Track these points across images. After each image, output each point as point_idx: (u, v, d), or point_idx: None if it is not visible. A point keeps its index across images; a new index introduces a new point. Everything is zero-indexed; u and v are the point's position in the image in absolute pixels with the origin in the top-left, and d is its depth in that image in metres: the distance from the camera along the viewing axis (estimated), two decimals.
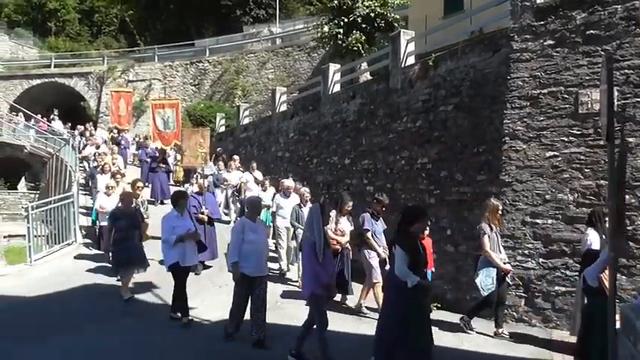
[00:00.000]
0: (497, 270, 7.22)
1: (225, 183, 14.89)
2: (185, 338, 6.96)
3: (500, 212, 7.54)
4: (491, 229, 7.31)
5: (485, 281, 7.15)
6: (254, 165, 14.97)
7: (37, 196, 22.31)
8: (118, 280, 9.15)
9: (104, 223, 10.31)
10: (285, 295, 9.25)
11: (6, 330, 7.14)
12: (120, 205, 9.16)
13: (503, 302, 7.59)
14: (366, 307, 8.42)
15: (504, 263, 7.38)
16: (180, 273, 7.61)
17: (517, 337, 7.29)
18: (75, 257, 11.26)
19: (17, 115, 26.23)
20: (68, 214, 12.09)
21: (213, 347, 6.71)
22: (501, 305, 7.50)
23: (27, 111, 26.46)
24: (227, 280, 9.24)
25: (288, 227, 10.51)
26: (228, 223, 13.64)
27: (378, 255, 8.15)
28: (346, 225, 8.68)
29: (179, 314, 7.64)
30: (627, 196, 7.36)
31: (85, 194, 15.98)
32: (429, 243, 8.05)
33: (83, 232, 12.91)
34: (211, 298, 8.86)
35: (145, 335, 7.06)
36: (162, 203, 15.45)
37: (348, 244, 8.58)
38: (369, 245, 8.20)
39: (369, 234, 8.21)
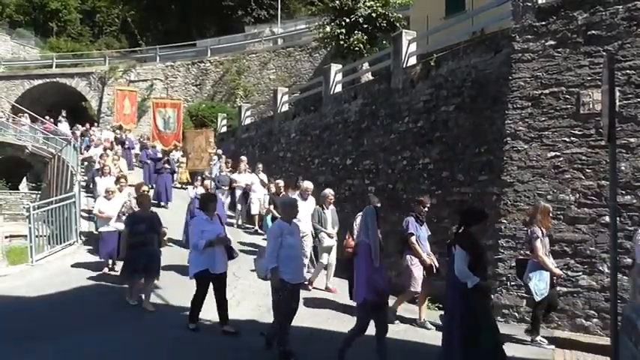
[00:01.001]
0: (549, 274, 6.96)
1: (235, 184, 14.47)
2: (185, 338, 6.95)
3: (550, 214, 7.20)
4: (542, 232, 7.01)
5: (539, 286, 6.91)
6: (260, 167, 14.76)
7: (38, 196, 22.33)
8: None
9: (104, 229, 10.11)
10: None
11: (7, 330, 7.14)
12: (137, 208, 8.84)
13: (556, 307, 7.37)
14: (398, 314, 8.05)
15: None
16: (207, 281, 7.09)
17: (518, 338, 7.28)
18: (76, 257, 11.25)
19: (23, 117, 26.18)
20: (69, 214, 12.09)
21: (213, 348, 6.70)
22: (552, 310, 7.29)
23: (32, 113, 26.46)
24: (227, 281, 9.30)
25: (303, 230, 9.92)
26: (231, 225, 13.54)
27: (422, 262, 7.75)
28: None
29: (191, 324, 7.21)
30: (628, 197, 7.36)
31: (88, 196, 15.43)
32: None
33: (83, 237, 12.42)
34: (211, 298, 8.83)
35: (145, 336, 7.05)
36: (160, 206, 14.74)
37: None
38: (413, 251, 7.76)
39: (413, 238, 7.75)
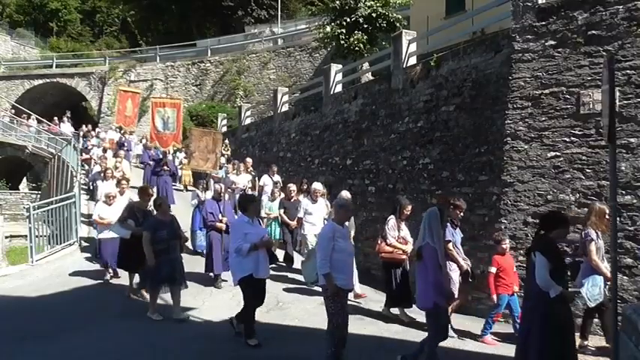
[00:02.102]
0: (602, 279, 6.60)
1: (233, 186, 13.63)
2: (186, 339, 6.95)
3: (607, 216, 6.61)
4: (597, 234, 6.62)
5: (592, 291, 6.59)
6: (274, 169, 14.09)
7: (38, 196, 22.34)
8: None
9: (104, 236, 9.69)
10: (287, 295, 9.19)
11: (7, 330, 7.15)
12: (156, 213, 8.20)
13: (603, 313, 6.84)
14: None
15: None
16: (252, 286, 6.66)
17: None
18: (76, 258, 11.25)
19: (30, 118, 26.16)
20: (70, 214, 12.09)
21: (214, 348, 6.70)
22: (604, 316, 6.81)
23: (34, 114, 26.45)
24: (228, 280, 9.31)
25: (316, 234, 9.70)
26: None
27: (460, 267, 7.41)
28: (407, 232, 7.98)
29: (252, 340, 6.66)
30: (628, 197, 7.36)
31: (90, 200, 14.99)
32: (511, 261, 7.49)
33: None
34: (212, 298, 8.85)
35: (146, 336, 7.05)
36: None
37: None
38: (450, 257, 7.34)
39: (450, 245, 7.36)
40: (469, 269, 7.46)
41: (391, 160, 11.49)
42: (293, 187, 11.27)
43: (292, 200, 10.96)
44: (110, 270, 9.80)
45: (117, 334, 7.05)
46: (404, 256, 7.78)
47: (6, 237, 15.03)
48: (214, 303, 8.44)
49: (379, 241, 7.97)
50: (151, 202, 9.02)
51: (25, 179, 31.35)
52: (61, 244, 11.62)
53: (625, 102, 7.46)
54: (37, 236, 11.24)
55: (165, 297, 8.76)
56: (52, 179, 20.80)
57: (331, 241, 5.87)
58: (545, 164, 8.13)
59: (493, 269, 7.19)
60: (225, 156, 11.78)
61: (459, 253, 7.52)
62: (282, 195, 11.48)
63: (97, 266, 10.37)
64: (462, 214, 7.72)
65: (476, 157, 9.29)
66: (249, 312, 6.71)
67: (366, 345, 6.73)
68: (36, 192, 24.62)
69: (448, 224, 7.37)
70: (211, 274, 9.55)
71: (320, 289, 6.36)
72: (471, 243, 8.65)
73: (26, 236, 11.49)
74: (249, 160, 14.97)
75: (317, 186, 10.15)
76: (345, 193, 9.74)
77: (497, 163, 8.69)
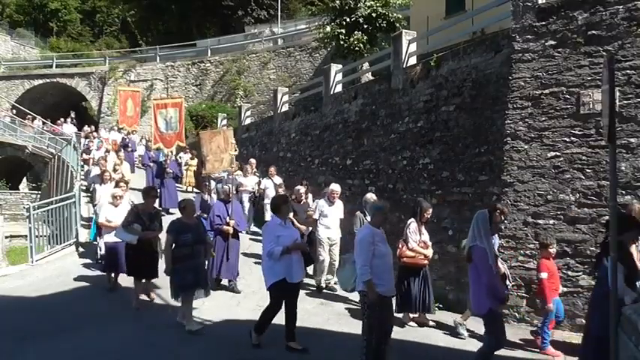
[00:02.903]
0: None
1: (241, 188, 13.47)
2: (186, 339, 6.95)
3: None
4: None
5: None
6: (272, 170, 13.84)
7: (38, 196, 22.36)
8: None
9: (110, 239, 9.13)
10: None
11: (7, 330, 7.15)
12: (181, 216, 7.70)
13: None
14: (467, 328, 7.52)
15: None
16: (284, 292, 6.38)
17: (518, 338, 7.28)
18: (76, 257, 11.25)
19: (35, 120, 26.17)
20: (70, 214, 12.10)
21: (213, 348, 6.70)
22: None
23: (38, 116, 26.47)
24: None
25: (331, 238, 9.49)
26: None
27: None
28: (427, 235, 7.79)
29: (256, 336, 6.56)
30: (628, 197, 7.36)
31: (89, 203, 14.37)
32: (553, 266, 7.22)
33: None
34: (212, 298, 8.83)
35: (146, 336, 7.06)
36: (168, 212, 14.05)
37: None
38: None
39: None
40: (506, 272, 7.09)
41: (391, 160, 11.49)
42: (302, 188, 10.92)
43: (302, 203, 10.64)
44: (112, 276, 9.40)
45: (117, 334, 7.05)
46: (425, 261, 7.60)
47: (6, 237, 15.05)
48: (214, 303, 8.43)
49: (400, 245, 7.70)
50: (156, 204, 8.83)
51: (25, 179, 31.38)
52: (61, 244, 11.63)
53: (625, 102, 7.46)
54: (37, 236, 11.25)
55: (161, 293, 8.83)
56: (52, 179, 20.82)
57: (371, 245, 5.62)
58: (545, 164, 8.13)
59: (544, 274, 6.90)
60: (234, 156, 11.22)
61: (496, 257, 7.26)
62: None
63: (97, 265, 10.34)
64: (504, 220, 7.46)
65: (476, 157, 9.29)
66: (270, 313, 6.47)
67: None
68: (36, 192, 24.64)
69: None
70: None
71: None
72: None
73: (26, 236, 11.51)
74: (252, 160, 14.65)
75: (335, 187, 9.71)
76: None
77: (497, 163, 8.69)
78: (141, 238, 8.01)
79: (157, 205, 10.41)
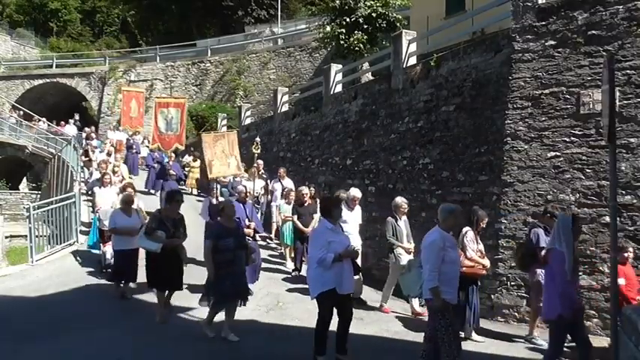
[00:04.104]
0: None
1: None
2: (186, 339, 6.95)
3: None
4: None
5: None
6: (282, 172, 13.27)
7: (38, 196, 22.36)
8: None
9: (121, 247, 8.52)
10: (288, 295, 9.18)
11: (8, 330, 7.15)
12: (220, 219, 7.14)
13: None
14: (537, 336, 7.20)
15: None
16: (333, 303, 5.89)
17: (518, 338, 7.28)
18: (76, 257, 11.24)
19: (40, 121, 26.16)
20: (70, 214, 12.08)
21: (213, 348, 6.70)
22: None
23: (38, 116, 26.48)
24: None
25: (355, 247, 9.12)
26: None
27: None
28: (481, 245, 7.44)
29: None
30: (628, 197, 7.37)
31: (90, 207, 13.67)
32: (630, 271, 7.04)
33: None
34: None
35: (146, 336, 7.05)
36: None
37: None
38: (543, 266, 6.67)
39: (544, 252, 6.64)
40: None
41: (391, 160, 11.49)
42: (306, 190, 10.65)
43: (306, 205, 10.42)
44: (122, 285, 8.85)
45: (117, 334, 7.04)
46: (484, 272, 7.28)
47: (6, 237, 15.06)
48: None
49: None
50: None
51: (25, 179, 31.37)
52: (61, 244, 11.61)
53: (625, 102, 7.46)
54: (37, 236, 11.23)
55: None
56: (52, 179, 20.79)
57: (441, 251, 5.33)
58: (545, 164, 8.13)
59: (622, 280, 6.52)
60: (256, 155, 10.56)
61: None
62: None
63: (97, 265, 10.33)
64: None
65: (476, 157, 9.29)
66: (320, 326, 5.94)
67: (366, 345, 6.73)
68: (36, 192, 24.63)
69: (542, 231, 7.00)
70: None
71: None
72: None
73: (26, 236, 11.48)
74: (260, 162, 13.24)
75: (356, 193, 9.26)
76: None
77: (497, 163, 8.69)
78: (165, 245, 7.38)
79: (139, 206, 9.69)
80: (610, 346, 5.52)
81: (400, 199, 8.55)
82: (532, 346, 7.01)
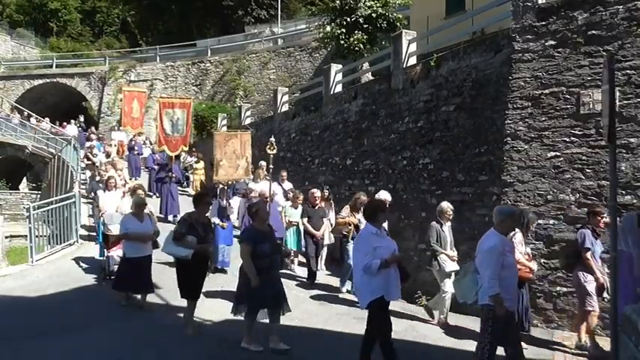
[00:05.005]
0: None
1: (251, 195, 11.88)
2: (186, 339, 6.95)
3: None
4: None
5: None
6: (283, 175, 13.05)
7: (38, 196, 22.35)
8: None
9: (133, 254, 8.07)
10: (288, 295, 9.09)
11: (8, 330, 7.16)
12: (254, 222, 6.75)
13: None
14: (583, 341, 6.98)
15: None
16: (383, 310, 5.65)
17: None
18: (76, 257, 11.24)
19: (43, 121, 26.17)
20: (70, 214, 12.09)
21: (214, 348, 6.70)
22: None
23: (41, 117, 26.51)
24: (228, 281, 9.28)
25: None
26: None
27: (596, 279, 6.78)
28: (529, 248, 7.27)
29: None
30: (628, 197, 7.36)
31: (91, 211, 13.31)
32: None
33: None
34: (212, 298, 8.84)
35: (146, 336, 7.05)
36: (166, 221, 13.19)
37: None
38: (587, 267, 6.81)
39: (589, 254, 6.79)
40: (605, 284, 6.67)
41: (391, 160, 11.49)
42: (317, 192, 10.45)
43: (317, 207, 10.26)
44: (135, 295, 8.42)
45: (117, 334, 7.04)
46: (531, 275, 7.07)
47: (6, 237, 15.04)
48: (214, 303, 8.42)
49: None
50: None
51: (25, 179, 31.37)
52: (61, 244, 11.62)
53: (625, 102, 7.45)
54: (37, 236, 11.24)
55: (161, 293, 8.69)
56: (52, 179, 20.80)
57: (501, 256, 5.16)
58: (545, 164, 8.12)
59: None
60: (271, 156, 10.01)
61: (597, 264, 6.86)
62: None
63: (97, 265, 10.31)
64: (606, 226, 6.83)
65: (476, 157, 9.30)
66: (370, 342, 5.66)
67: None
68: (36, 192, 24.63)
69: (589, 232, 6.86)
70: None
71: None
72: (470, 243, 8.62)
73: (26, 236, 11.49)
74: (263, 163, 12.59)
75: (387, 196, 8.91)
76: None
77: (497, 163, 8.69)
78: (197, 252, 6.93)
79: (150, 210, 9.17)
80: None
81: (446, 204, 8.17)
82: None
